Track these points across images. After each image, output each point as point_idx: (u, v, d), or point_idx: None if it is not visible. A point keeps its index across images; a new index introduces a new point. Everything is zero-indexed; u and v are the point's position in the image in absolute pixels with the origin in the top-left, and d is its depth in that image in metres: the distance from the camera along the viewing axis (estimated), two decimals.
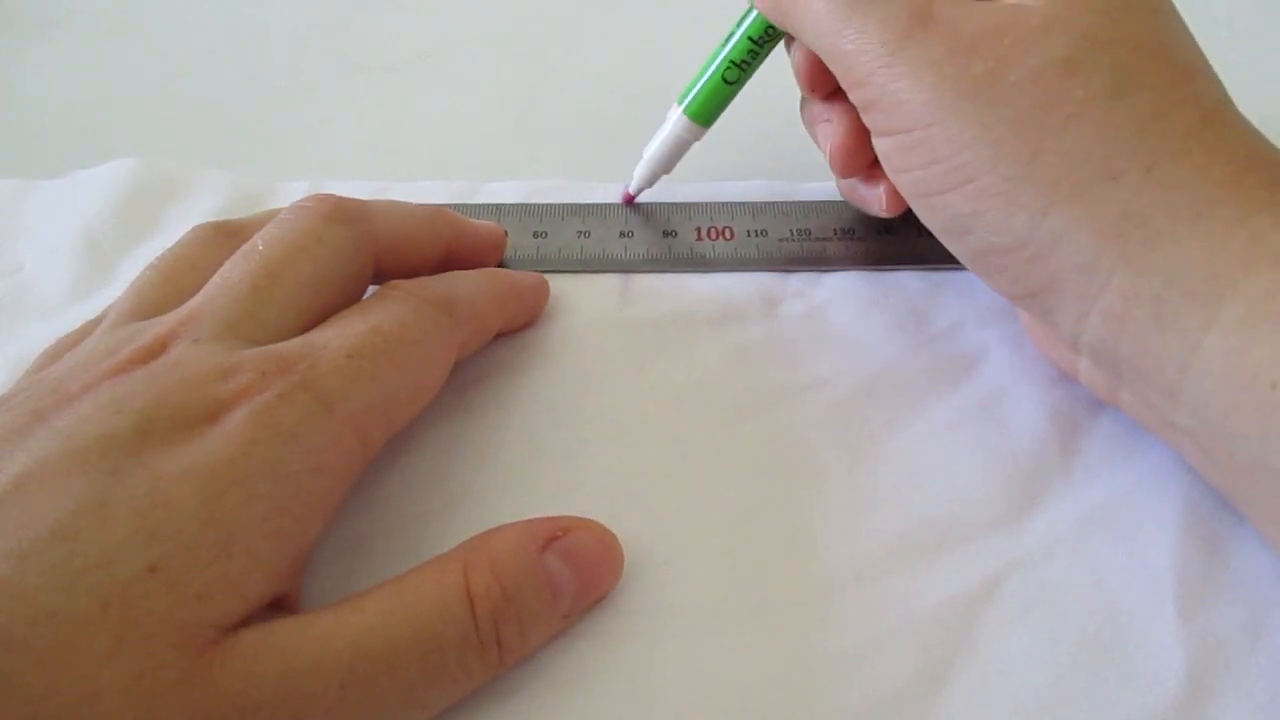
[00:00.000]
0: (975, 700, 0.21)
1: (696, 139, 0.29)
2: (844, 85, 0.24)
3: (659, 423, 0.26)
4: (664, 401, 0.26)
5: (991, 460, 0.25)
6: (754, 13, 0.27)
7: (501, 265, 0.29)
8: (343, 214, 0.24)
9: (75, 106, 0.36)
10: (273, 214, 0.24)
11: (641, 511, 0.24)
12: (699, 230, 0.30)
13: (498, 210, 0.31)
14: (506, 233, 0.29)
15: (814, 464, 0.25)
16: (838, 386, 0.27)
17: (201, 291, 0.22)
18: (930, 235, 0.25)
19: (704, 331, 0.28)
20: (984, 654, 0.22)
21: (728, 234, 0.30)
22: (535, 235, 0.30)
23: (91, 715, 0.16)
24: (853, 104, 0.25)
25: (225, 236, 0.24)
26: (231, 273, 0.22)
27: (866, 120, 0.24)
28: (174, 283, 0.23)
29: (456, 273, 0.26)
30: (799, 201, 0.31)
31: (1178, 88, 0.21)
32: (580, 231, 0.30)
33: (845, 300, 0.29)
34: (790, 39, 0.27)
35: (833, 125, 0.26)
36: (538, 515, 0.22)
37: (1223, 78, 0.22)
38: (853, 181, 0.27)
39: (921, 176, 0.23)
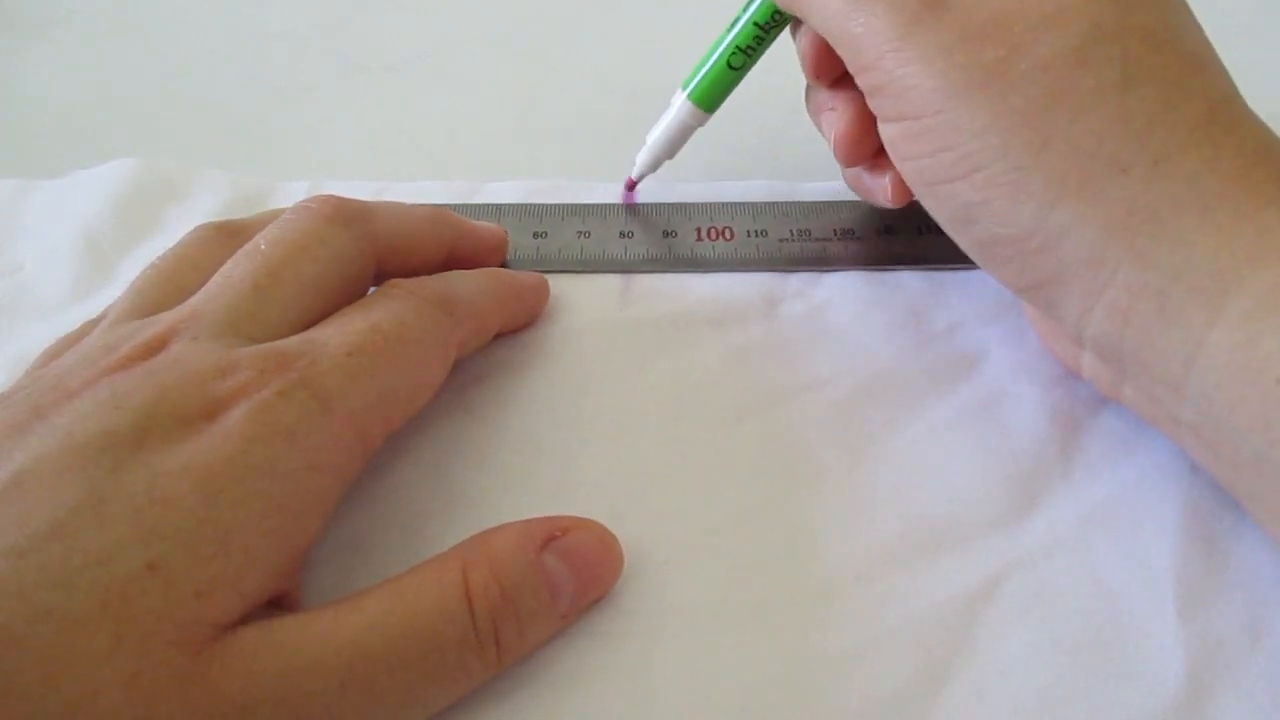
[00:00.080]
0: (975, 700, 0.21)
1: (700, 124, 0.29)
2: (852, 70, 0.24)
3: (659, 423, 0.26)
4: (664, 401, 0.26)
5: (991, 460, 0.25)
6: None
7: (502, 266, 0.29)
8: (345, 215, 0.24)
9: (75, 106, 0.36)
10: (274, 214, 0.24)
11: (641, 511, 0.24)
12: (699, 230, 0.30)
13: (498, 210, 0.31)
14: (508, 234, 0.29)
15: (814, 464, 0.25)
16: (838, 386, 0.27)
17: (203, 289, 0.22)
18: (931, 235, 0.25)
19: (704, 332, 0.28)
20: (984, 654, 0.22)
21: (728, 234, 0.30)
22: (535, 235, 0.30)
23: (90, 713, 0.16)
24: (858, 91, 0.24)
25: (227, 237, 0.24)
26: (233, 271, 0.22)
27: (873, 106, 0.24)
28: (175, 282, 0.23)
29: (456, 272, 0.26)
30: (799, 202, 0.31)
31: (1186, 80, 0.21)
32: (580, 232, 0.30)
33: (845, 300, 0.29)
34: (796, 25, 0.26)
35: (838, 113, 0.26)
36: (537, 515, 0.22)
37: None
38: (858, 171, 0.27)
39: (929, 164, 0.23)
